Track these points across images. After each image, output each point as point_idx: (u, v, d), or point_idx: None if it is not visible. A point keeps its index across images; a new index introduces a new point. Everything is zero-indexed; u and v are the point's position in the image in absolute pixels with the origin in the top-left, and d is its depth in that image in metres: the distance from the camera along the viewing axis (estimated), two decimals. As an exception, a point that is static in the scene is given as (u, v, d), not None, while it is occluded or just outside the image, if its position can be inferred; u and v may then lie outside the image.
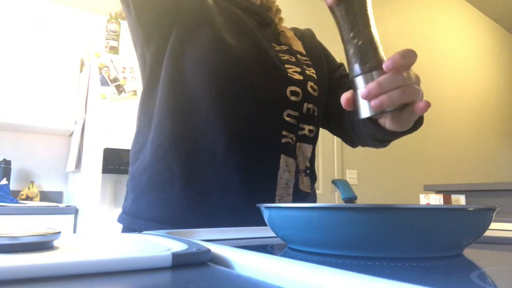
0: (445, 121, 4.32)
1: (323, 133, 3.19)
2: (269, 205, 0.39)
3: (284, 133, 0.71)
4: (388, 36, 3.89)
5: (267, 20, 0.83)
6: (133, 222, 0.69)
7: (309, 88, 0.75)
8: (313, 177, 0.79)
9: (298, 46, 0.83)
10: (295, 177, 0.72)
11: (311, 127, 0.76)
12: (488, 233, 0.59)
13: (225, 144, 0.67)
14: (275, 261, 0.24)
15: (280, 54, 0.77)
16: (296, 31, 0.92)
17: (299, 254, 0.36)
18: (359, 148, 3.44)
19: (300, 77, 0.75)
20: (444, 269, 0.30)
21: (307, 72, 0.78)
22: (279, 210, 0.38)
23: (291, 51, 0.80)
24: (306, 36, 0.91)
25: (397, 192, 3.63)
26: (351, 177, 3.33)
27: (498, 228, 0.66)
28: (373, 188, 3.47)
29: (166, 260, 0.25)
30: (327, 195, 3.15)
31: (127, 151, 2.09)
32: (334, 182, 0.71)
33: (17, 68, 2.09)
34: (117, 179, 2.20)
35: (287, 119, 0.72)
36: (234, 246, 0.32)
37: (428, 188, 2.68)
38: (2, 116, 2.04)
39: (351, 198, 0.60)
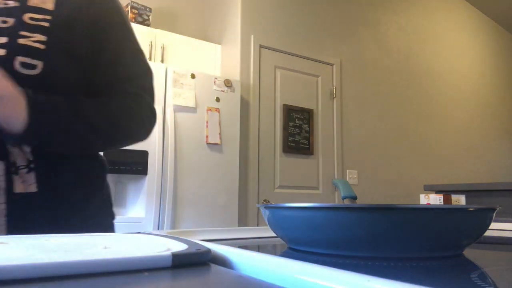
0: (445, 121, 4.32)
1: (323, 133, 3.19)
2: (269, 205, 0.39)
3: None
4: (388, 38, 3.89)
5: None
6: None
7: (17, 67, 0.59)
8: (51, 166, 0.63)
9: None
10: (6, 180, 0.59)
11: None
12: (488, 233, 0.59)
13: None
14: (275, 261, 0.24)
15: None
16: None
17: (299, 254, 0.36)
18: (359, 148, 3.44)
19: (1, 52, 0.59)
20: (444, 269, 0.30)
21: (20, 41, 0.60)
22: (279, 210, 0.38)
23: (16, 9, 0.62)
24: None
25: (397, 192, 3.63)
26: (351, 177, 3.33)
27: (498, 228, 0.66)
28: (373, 188, 3.47)
29: (166, 260, 0.25)
30: (327, 195, 3.15)
31: (128, 151, 2.09)
32: (334, 182, 0.71)
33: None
34: (117, 179, 2.20)
35: None
36: (234, 246, 0.32)
37: (428, 188, 2.68)
38: (2, 116, 2.03)
39: (351, 197, 0.60)
